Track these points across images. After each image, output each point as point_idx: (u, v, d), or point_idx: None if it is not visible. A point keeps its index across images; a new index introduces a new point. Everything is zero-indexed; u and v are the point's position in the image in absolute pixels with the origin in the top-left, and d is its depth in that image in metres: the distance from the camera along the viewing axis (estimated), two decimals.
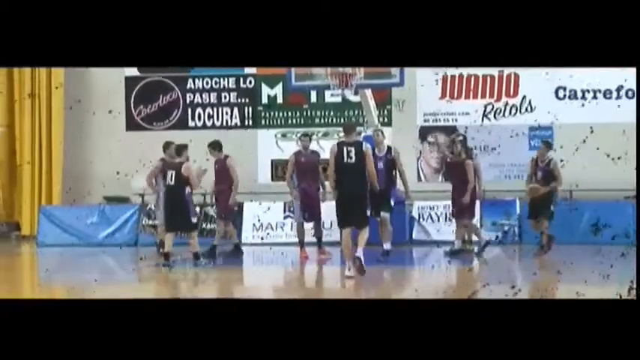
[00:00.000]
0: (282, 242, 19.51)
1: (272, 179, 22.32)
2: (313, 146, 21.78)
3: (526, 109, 21.88)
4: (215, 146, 16.81)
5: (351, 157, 13.20)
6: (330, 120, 22.52)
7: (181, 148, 15.70)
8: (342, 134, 14.24)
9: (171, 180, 15.33)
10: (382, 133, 16.48)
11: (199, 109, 23.00)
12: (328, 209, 15.90)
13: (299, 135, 17.08)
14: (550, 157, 16.53)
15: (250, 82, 22.87)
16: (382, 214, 15.47)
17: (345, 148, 13.26)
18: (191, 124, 22.94)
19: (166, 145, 16.27)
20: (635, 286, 6.51)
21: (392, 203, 15.69)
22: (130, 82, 23.14)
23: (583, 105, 21.44)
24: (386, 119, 22.03)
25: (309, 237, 16.93)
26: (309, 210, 16.61)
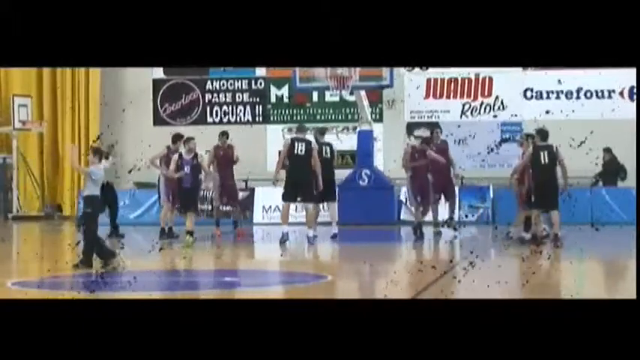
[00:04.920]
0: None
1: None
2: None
3: (498, 108, 21.30)
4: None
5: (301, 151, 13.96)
6: (329, 117, 22.14)
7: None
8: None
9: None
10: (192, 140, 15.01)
11: (216, 107, 22.70)
12: None
13: (219, 133, 16.17)
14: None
15: (260, 84, 22.54)
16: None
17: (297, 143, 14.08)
18: (209, 120, 22.62)
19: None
20: None
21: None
22: (157, 83, 22.90)
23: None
24: (377, 116, 21.65)
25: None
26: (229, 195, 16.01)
